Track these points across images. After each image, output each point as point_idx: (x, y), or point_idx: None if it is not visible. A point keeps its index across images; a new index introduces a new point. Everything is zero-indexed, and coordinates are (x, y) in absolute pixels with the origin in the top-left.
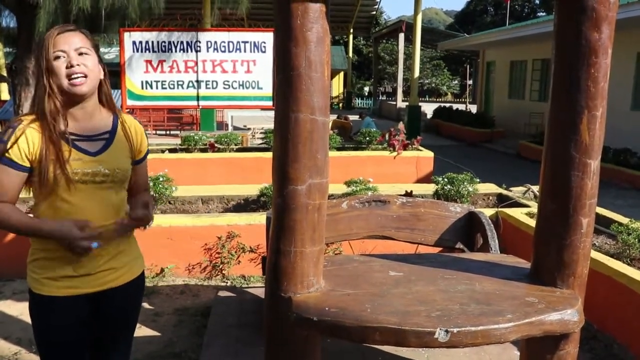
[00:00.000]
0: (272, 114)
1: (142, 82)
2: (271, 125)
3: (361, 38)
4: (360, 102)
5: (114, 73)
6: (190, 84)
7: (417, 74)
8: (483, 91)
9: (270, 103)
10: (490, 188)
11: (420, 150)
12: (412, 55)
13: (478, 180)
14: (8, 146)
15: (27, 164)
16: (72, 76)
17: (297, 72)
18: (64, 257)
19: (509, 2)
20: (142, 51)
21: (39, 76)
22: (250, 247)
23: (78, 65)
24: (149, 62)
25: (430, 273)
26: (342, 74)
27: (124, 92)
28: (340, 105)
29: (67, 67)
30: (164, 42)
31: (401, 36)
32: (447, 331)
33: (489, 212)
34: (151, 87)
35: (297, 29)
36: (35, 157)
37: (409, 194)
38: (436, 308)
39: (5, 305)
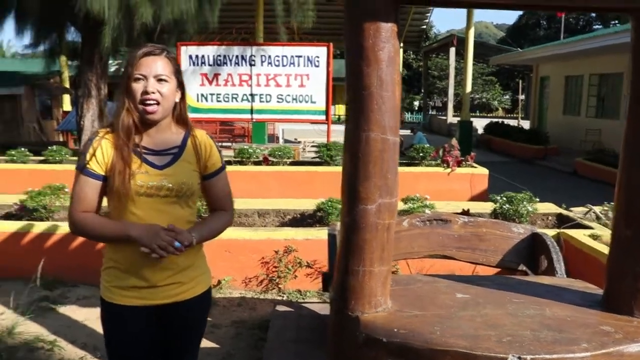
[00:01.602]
0: (323, 127)
1: (197, 94)
2: (322, 139)
3: (411, 52)
4: (410, 117)
5: None
6: (245, 97)
7: (469, 88)
8: (536, 107)
9: (323, 117)
10: (549, 208)
11: (475, 167)
12: (463, 70)
13: (537, 199)
14: (88, 157)
15: (103, 173)
16: (146, 102)
17: (368, 92)
18: (134, 269)
19: (563, 15)
20: (198, 65)
21: (121, 90)
22: (307, 262)
23: (153, 92)
24: (204, 75)
25: (498, 296)
26: None
27: None
28: None
29: (143, 92)
30: (220, 55)
31: (452, 50)
32: (519, 358)
33: (549, 233)
34: (206, 99)
35: (368, 49)
36: (108, 167)
37: (466, 213)
38: (507, 333)
39: (70, 311)
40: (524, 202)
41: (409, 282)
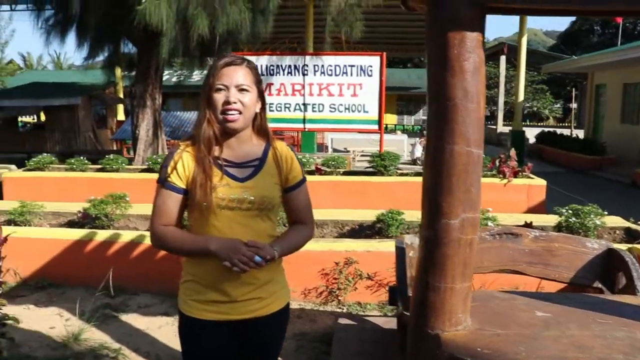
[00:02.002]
0: (373, 136)
1: None
2: (371, 148)
3: None
4: None
5: None
6: (297, 107)
7: (521, 97)
8: (591, 115)
9: (376, 127)
10: (615, 221)
11: (532, 177)
12: (514, 78)
13: (606, 212)
14: (169, 171)
15: (184, 186)
16: (227, 112)
17: (453, 103)
18: (213, 283)
19: (621, 21)
20: None
21: (201, 102)
22: (368, 274)
23: (235, 102)
24: None
25: (581, 316)
26: None
27: None
28: None
29: (224, 102)
30: (272, 65)
31: (502, 58)
32: None
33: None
34: None
35: (453, 59)
36: (189, 180)
37: (528, 225)
38: (597, 356)
39: (132, 319)
40: (591, 215)
41: (485, 299)
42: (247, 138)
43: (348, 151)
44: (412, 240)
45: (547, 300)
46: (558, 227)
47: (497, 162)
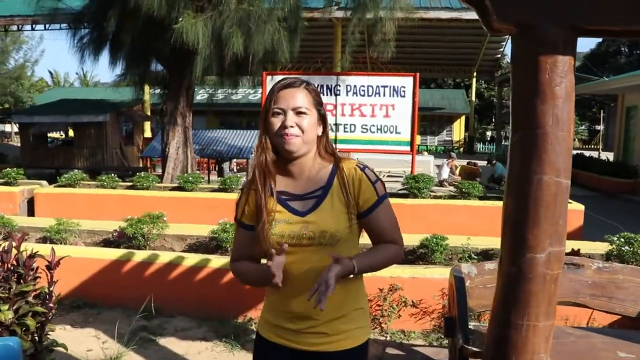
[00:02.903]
0: (400, 157)
1: None
2: (399, 169)
3: (482, 81)
4: (482, 147)
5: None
6: (329, 127)
7: None
8: (622, 138)
9: (408, 148)
10: None
11: (570, 202)
12: None
13: None
14: (239, 210)
15: (252, 223)
16: (285, 136)
17: (542, 131)
18: (282, 310)
19: None
20: None
21: (260, 128)
22: (413, 302)
23: (292, 126)
24: None
25: None
26: (463, 118)
27: None
28: (462, 150)
29: (281, 127)
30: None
31: None
32: None
33: None
34: None
35: (544, 84)
36: (253, 217)
37: (575, 253)
38: None
39: (170, 343)
40: None
41: (559, 335)
42: (310, 165)
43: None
44: (469, 270)
45: (626, 338)
46: (607, 256)
47: None
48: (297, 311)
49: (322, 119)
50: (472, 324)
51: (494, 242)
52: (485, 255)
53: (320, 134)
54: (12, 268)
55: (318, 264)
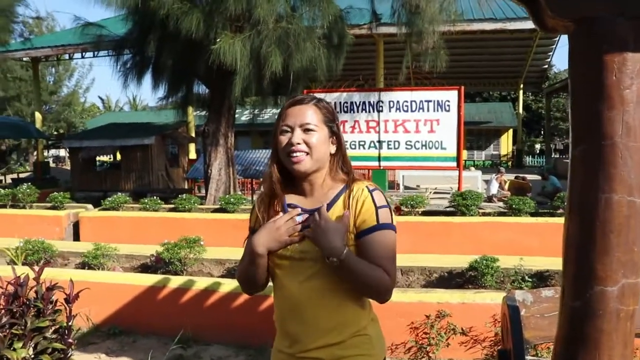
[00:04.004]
0: (447, 173)
1: None
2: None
3: (529, 93)
4: (531, 160)
5: None
6: (372, 144)
7: None
8: None
9: (454, 164)
10: None
11: None
12: None
13: None
14: (251, 221)
15: None
16: (292, 154)
17: (610, 142)
18: (280, 331)
19: None
20: None
21: (272, 146)
22: (462, 329)
23: (299, 143)
24: None
25: None
26: (510, 131)
27: None
28: (510, 163)
29: (287, 144)
30: (346, 102)
31: None
32: None
33: None
34: None
35: (611, 87)
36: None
37: None
38: None
39: None
40: None
41: None
42: (321, 184)
43: (418, 188)
44: (524, 297)
45: None
46: None
47: None
48: (291, 331)
49: (336, 136)
50: (529, 359)
51: (549, 263)
52: (540, 277)
53: (333, 151)
54: (27, 302)
55: (311, 279)
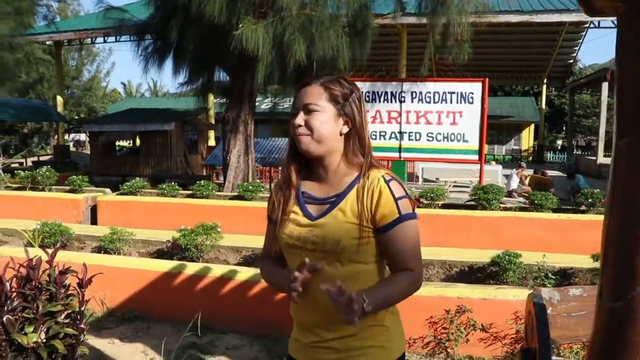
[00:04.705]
0: (466, 166)
1: None
2: (465, 179)
3: (552, 89)
4: (552, 157)
5: None
6: (393, 135)
7: None
8: None
9: (476, 157)
10: None
11: None
12: (613, 106)
13: None
14: (269, 206)
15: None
16: (296, 136)
17: None
18: (296, 321)
19: None
20: None
21: None
22: (482, 325)
23: (300, 125)
24: None
25: None
26: (532, 126)
27: None
28: (531, 159)
29: (291, 125)
30: (368, 92)
31: (604, 85)
32: None
33: None
34: None
35: None
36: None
37: None
38: None
39: None
40: None
41: None
42: (335, 169)
43: (438, 180)
44: (550, 295)
45: None
46: None
47: None
48: (304, 321)
49: (346, 116)
50: (555, 359)
51: (573, 260)
52: (563, 275)
53: (344, 132)
54: (39, 286)
55: (324, 274)
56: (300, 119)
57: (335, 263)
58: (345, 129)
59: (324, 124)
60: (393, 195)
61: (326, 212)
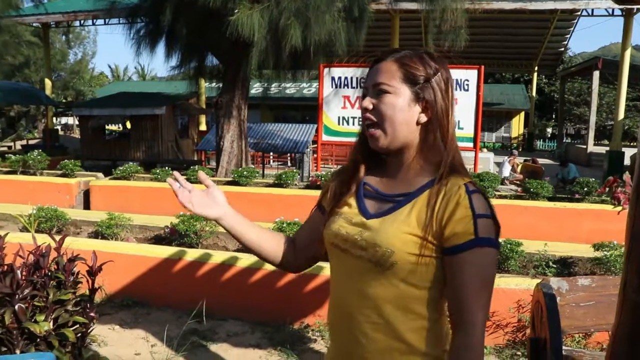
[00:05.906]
0: (463, 154)
1: (339, 117)
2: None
3: (543, 76)
4: (542, 144)
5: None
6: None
7: (622, 115)
8: None
9: (471, 144)
10: None
11: None
12: (605, 95)
13: None
14: (322, 193)
15: (329, 208)
16: (366, 124)
17: None
18: (331, 338)
19: None
20: (340, 87)
21: None
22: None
23: (367, 108)
24: (346, 97)
25: None
26: (522, 114)
27: (320, 127)
28: (520, 147)
29: (360, 109)
30: (363, 77)
31: (595, 74)
32: None
33: None
34: (347, 123)
35: None
36: (331, 203)
37: None
38: None
39: (222, 350)
40: None
41: None
42: (409, 163)
43: None
44: (559, 285)
45: None
46: None
47: (612, 187)
48: (341, 347)
49: (426, 101)
50: (565, 349)
51: (572, 249)
52: (563, 263)
53: (422, 121)
54: (49, 273)
55: (365, 285)
56: (367, 101)
57: (381, 279)
58: (424, 118)
59: (395, 110)
60: (473, 211)
61: (386, 212)
